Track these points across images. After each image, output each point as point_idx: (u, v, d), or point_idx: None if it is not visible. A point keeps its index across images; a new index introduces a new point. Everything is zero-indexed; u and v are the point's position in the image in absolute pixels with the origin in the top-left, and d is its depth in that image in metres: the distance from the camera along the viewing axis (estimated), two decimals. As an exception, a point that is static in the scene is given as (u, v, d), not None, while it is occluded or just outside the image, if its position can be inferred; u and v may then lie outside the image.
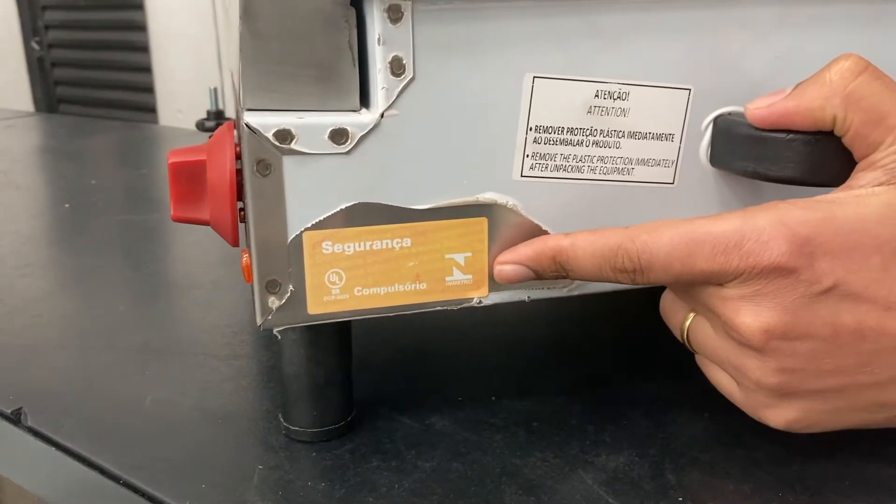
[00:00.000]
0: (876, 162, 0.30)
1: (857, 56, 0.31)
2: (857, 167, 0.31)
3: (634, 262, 0.31)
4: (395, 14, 0.31)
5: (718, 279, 0.30)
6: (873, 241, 0.29)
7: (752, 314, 0.30)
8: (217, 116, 0.88)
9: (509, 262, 0.34)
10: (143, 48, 2.55)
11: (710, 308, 0.31)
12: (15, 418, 0.38)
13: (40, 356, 0.45)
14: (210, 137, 0.38)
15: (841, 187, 0.32)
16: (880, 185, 0.30)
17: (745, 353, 0.31)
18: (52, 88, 2.80)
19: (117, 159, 1.02)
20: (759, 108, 0.32)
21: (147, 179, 0.90)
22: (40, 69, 2.74)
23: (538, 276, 0.34)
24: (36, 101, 2.71)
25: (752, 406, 0.32)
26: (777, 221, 0.30)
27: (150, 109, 2.61)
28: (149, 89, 2.59)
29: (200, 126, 0.89)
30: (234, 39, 0.43)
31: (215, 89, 0.89)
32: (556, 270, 0.33)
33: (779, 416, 0.32)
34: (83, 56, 2.69)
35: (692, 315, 0.34)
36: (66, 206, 0.74)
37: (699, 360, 0.35)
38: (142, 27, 2.52)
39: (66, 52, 2.81)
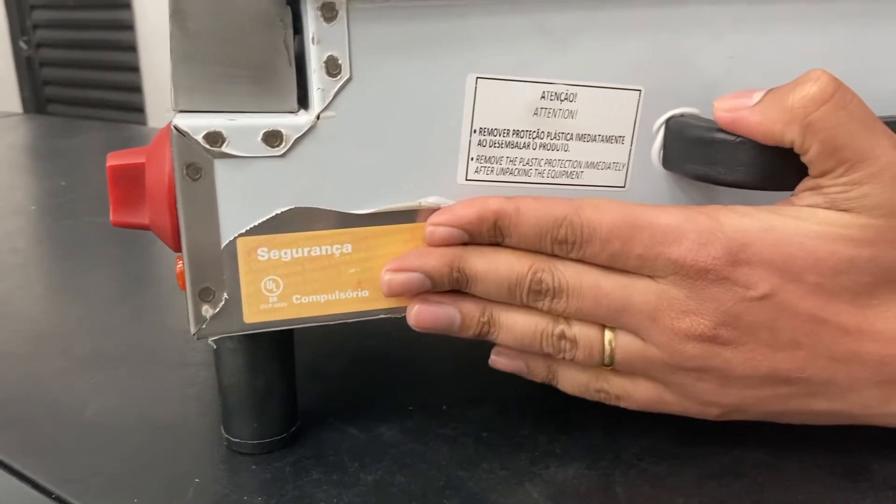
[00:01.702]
0: (822, 187, 0.30)
1: (827, 79, 0.29)
2: (802, 185, 0.31)
3: (577, 234, 0.31)
4: (328, 12, 0.29)
5: (651, 268, 0.31)
6: (810, 257, 0.30)
7: (692, 318, 0.30)
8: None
9: (444, 224, 0.32)
10: (132, 48, 2.54)
11: (646, 311, 0.31)
12: (-49, 429, 0.37)
13: (-13, 364, 0.44)
14: (152, 139, 0.37)
15: (783, 202, 0.31)
16: (820, 209, 0.30)
17: (683, 358, 0.31)
18: (40, 88, 2.79)
19: (96, 160, 1.01)
20: (726, 111, 0.31)
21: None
22: (28, 69, 2.72)
23: (472, 239, 0.32)
24: (24, 100, 2.70)
25: (684, 407, 0.33)
26: (717, 227, 0.30)
27: (139, 109, 2.60)
28: (137, 89, 2.58)
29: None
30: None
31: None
32: (493, 236, 0.32)
33: (711, 413, 0.33)
34: (71, 56, 2.68)
35: (613, 331, 0.32)
36: (32, 208, 0.73)
37: (598, 380, 0.34)
38: (130, 26, 2.51)
39: (54, 51, 2.80)
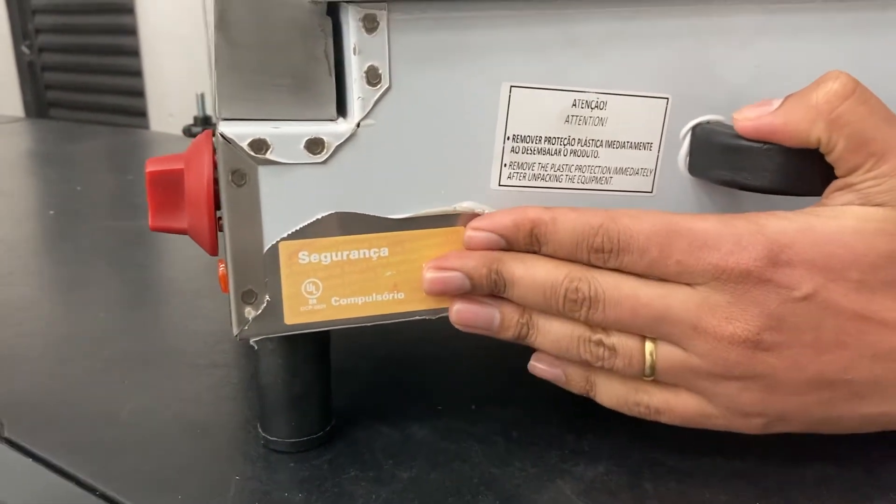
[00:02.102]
0: (853, 185, 0.31)
1: (846, 77, 0.30)
2: (833, 186, 0.31)
3: (613, 242, 0.31)
4: (370, 23, 0.30)
5: (690, 275, 0.31)
6: (850, 254, 0.30)
7: (735, 324, 0.30)
8: (205, 122, 0.88)
9: (484, 230, 0.33)
10: (134, 52, 2.54)
11: (687, 320, 0.31)
12: (-8, 429, 0.38)
13: (20, 366, 0.44)
14: (189, 146, 0.38)
15: (815, 205, 0.32)
16: (855, 206, 0.31)
17: (726, 366, 0.31)
18: (42, 92, 2.79)
19: (106, 165, 1.02)
20: (748, 119, 0.32)
21: (134, 185, 0.90)
22: (31, 73, 2.72)
23: (510, 246, 0.33)
24: (26, 105, 2.70)
25: (728, 419, 0.33)
26: (756, 229, 0.30)
27: (141, 114, 2.60)
28: (139, 93, 2.58)
29: (187, 132, 0.89)
30: (211, 48, 0.43)
31: (202, 94, 0.89)
32: (530, 244, 0.33)
33: (755, 426, 0.32)
34: (74, 60, 2.68)
35: (654, 342, 0.32)
36: (51, 212, 0.74)
37: (640, 394, 0.33)
38: (132, 31, 2.51)
39: (56, 56, 2.80)
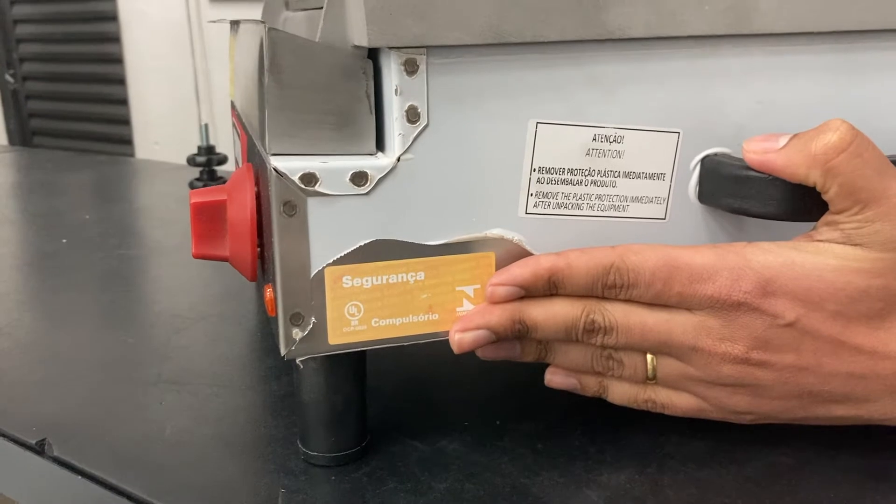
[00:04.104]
0: (839, 223, 0.34)
1: (845, 129, 0.34)
2: (823, 219, 0.35)
3: (624, 279, 0.35)
4: (411, 67, 0.33)
5: (689, 303, 0.35)
6: (829, 288, 0.34)
7: (727, 344, 0.34)
8: (208, 152, 0.90)
9: (505, 284, 0.36)
10: (120, 80, 2.55)
11: (686, 342, 0.35)
12: (39, 449, 0.40)
13: (56, 390, 0.46)
14: (229, 179, 0.41)
15: (803, 236, 0.36)
16: (836, 243, 0.34)
17: (719, 377, 0.35)
18: (26, 121, 2.79)
19: (112, 194, 1.04)
20: (755, 152, 0.35)
21: (139, 213, 0.91)
22: (14, 101, 2.72)
23: (529, 294, 0.36)
24: (9, 133, 2.70)
25: (722, 415, 0.37)
26: (745, 264, 0.34)
27: (127, 141, 2.61)
28: (125, 121, 2.59)
29: (192, 161, 0.91)
30: (249, 87, 0.45)
31: (206, 125, 0.91)
32: (548, 290, 0.36)
33: (745, 420, 0.37)
34: (58, 88, 2.68)
35: (654, 355, 0.37)
36: (64, 241, 0.75)
37: (643, 393, 0.38)
38: (119, 60, 2.53)
39: (41, 84, 2.79)
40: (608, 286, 0.35)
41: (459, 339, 0.36)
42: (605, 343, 0.36)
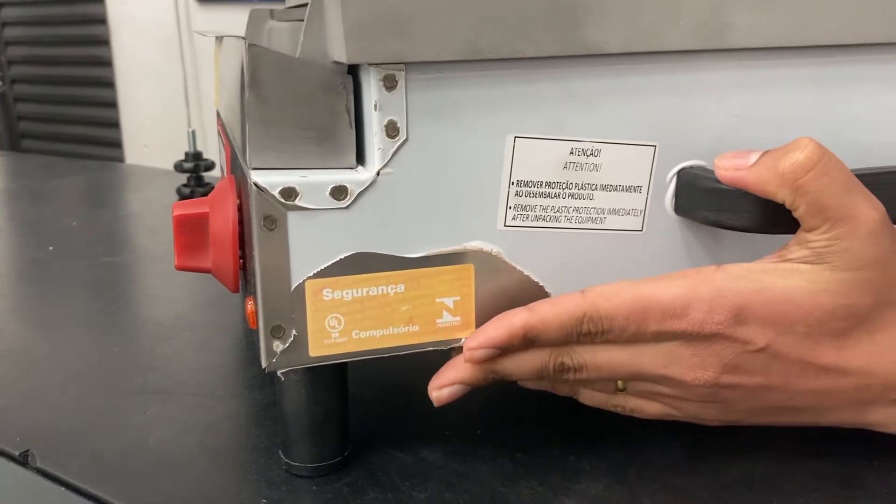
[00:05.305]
0: (808, 241, 0.35)
1: (812, 147, 0.34)
2: (794, 238, 0.36)
3: (598, 326, 0.35)
4: (390, 83, 0.34)
5: (665, 338, 0.35)
6: (798, 311, 0.34)
7: (697, 371, 0.35)
8: (195, 158, 0.90)
9: (482, 347, 0.36)
10: (109, 83, 2.55)
11: (657, 372, 0.36)
12: (23, 460, 0.40)
13: (43, 400, 0.46)
14: (211, 191, 0.41)
15: (774, 255, 0.36)
16: (806, 262, 0.35)
17: (689, 396, 0.37)
18: (14, 124, 2.78)
19: (99, 201, 1.04)
20: (727, 169, 0.36)
21: (127, 220, 0.92)
22: (3, 105, 2.72)
23: (507, 352, 0.37)
24: (-2, 136, 2.68)
25: (691, 420, 0.39)
26: (717, 294, 0.34)
27: (116, 145, 2.60)
28: (114, 124, 2.58)
29: (178, 167, 0.91)
30: (231, 100, 0.46)
31: (193, 132, 0.91)
32: (524, 346, 0.36)
33: (713, 424, 0.39)
34: (47, 91, 2.68)
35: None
36: (50, 248, 0.76)
37: (612, 399, 0.39)
38: (108, 63, 2.52)
39: (29, 87, 2.79)
40: (583, 334, 0.36)
41: (437, 396, 0.38)
42: (577, 380, 0.37)
